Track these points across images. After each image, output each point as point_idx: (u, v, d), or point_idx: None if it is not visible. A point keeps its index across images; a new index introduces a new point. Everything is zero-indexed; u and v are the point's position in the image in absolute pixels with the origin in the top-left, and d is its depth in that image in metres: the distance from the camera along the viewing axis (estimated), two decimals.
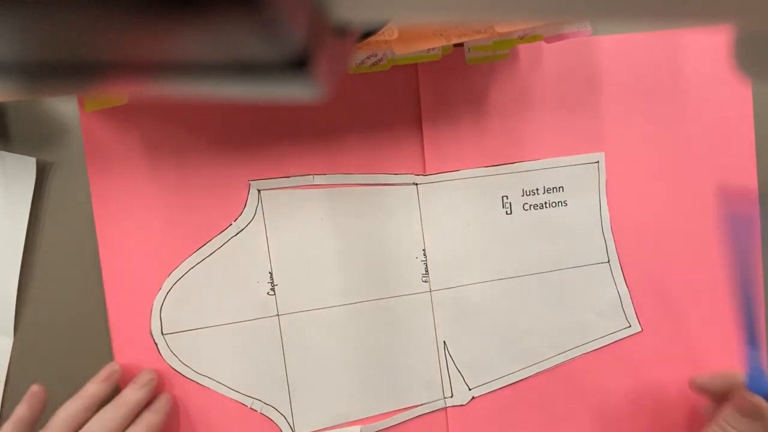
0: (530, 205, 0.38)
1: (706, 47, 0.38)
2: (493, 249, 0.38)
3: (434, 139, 0.37)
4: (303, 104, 0.35)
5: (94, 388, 0.32)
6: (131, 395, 0.32)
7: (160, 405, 0.33)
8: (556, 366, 0.39)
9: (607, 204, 0.38)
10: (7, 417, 0.35)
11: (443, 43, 0.28)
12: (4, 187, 0.34)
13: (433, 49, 0.30)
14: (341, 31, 0.11)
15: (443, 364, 0.38)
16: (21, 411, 0.31)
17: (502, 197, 0.38)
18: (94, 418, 0.30)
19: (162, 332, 0.35)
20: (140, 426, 0.31)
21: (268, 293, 0.36)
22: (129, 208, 0.35)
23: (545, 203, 0.38)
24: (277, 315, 0.36)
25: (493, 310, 0.38)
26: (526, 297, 0.38)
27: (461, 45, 0.33)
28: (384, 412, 0.37)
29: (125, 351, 0.35)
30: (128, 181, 0.35)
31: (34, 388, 0.31)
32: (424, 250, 0.37)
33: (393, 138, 0.37)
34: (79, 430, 0.30)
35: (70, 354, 0.35)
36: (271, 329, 0.36)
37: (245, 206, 0.36)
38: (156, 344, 0.35)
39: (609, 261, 0.39)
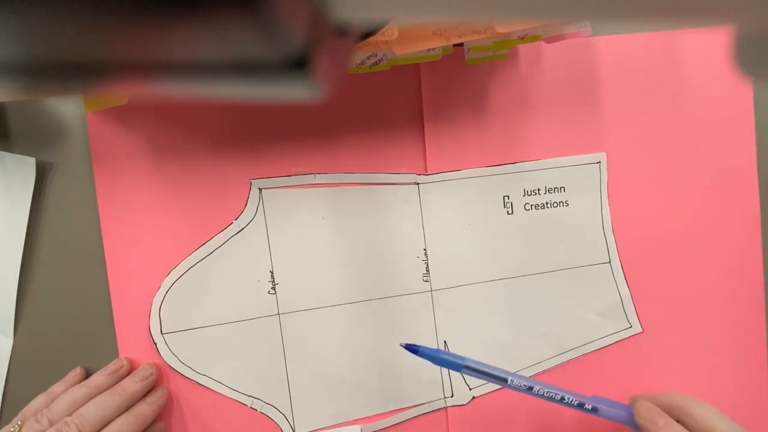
0: (531, 205, 0.38)
1: (706, 47, 0.38)
2: (494, 249, 0.38)
3: (436, 139, 0.37)
4: (303, 104, 0.35)
5: (100, 379, 0.33)
6: (129, 386, 0.33)
7: (155, 398, 0.34)
8: (557, 366, 0.38)
9: (609, 204, 0.38)
10: (8, 417, 0.35)
11: (443, 43, 0.28)
12: (4, 187, 0.34)
13: (433, 49, 0.30)
14: (341, 31, 0.11)
15: None
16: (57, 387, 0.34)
17: (504, 197, 0.38)
18: (91, 402, 0.32)
19: (161, 332, 0.35)
20: (131, 415, 0.32)
21: (268, 292, 0.36)
22: (132, 207, 0.35)
23: (546, 203, 0.38)
24: (278, 314, 0.36)
25: (494, 310, 0.38)
26: (527, 297, 0.38)
27: (461, 45, 0.33)
28: (384, 411, 0.37)
29: (125, 351, 0.35)
30: (131, 180, 0.35)
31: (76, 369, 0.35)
32: (425, 249, 0.37)
33: (394, 137, 0.37)
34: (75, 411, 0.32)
35: (71, 354, 0.35)
36: (272, 328, 0.36)
37: (246, 205, 0.36)
38: (155, 344, 0.35)
39: (610, 261, 0.39)
